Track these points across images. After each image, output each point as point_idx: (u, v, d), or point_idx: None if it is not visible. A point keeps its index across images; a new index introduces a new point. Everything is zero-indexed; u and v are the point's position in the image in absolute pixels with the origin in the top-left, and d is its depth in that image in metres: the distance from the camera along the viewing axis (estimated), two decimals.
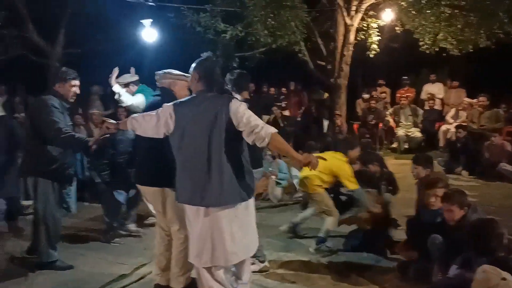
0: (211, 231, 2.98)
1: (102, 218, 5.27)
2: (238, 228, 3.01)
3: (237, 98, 3.15)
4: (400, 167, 7.27)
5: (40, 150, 3.97)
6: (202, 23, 10.15)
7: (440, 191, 3.90)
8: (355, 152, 4.87)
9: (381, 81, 12.05)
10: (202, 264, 3.05)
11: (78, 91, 4.21)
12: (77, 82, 4.18)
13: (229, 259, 3.05)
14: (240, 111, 2.89)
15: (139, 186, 3.70)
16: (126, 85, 5.25)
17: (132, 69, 5.50)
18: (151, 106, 3.50)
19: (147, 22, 10.19)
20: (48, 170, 3.96)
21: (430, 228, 3.79)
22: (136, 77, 5.40)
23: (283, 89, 11.75)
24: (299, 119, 11.44)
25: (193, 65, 3.14)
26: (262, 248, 4.00)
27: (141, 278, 4.04)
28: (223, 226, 2.96)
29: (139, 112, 3.61)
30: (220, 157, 2.90)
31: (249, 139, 2.88)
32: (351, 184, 4.59)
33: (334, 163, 4.55)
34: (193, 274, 3.63)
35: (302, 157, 2.97)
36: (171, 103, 3.07)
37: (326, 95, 11.97)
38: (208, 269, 3.08)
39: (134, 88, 5.32)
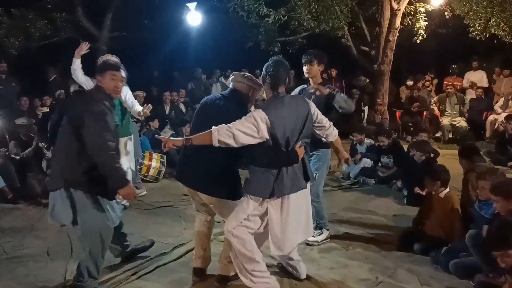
0: (290, 214, 3.29)
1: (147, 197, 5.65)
2: (309, 207, 3.49)
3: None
4: (444, 157, 7.08)
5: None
6: (246, 7, 10.12)
7: (486, 183, 3.82)
8: None
9: (430, 74, 11.70)
10: (290, 249, 3.42)
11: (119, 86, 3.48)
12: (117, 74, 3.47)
13: (307, 235, 3.55)
14: (316, 110, 3.42)
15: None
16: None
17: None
18: (210, 105, 3.50)
19: (192, 5, 10.28)
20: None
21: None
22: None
23: (324, 75, 11.60)
24: None
25: (267, 69, 3.29)
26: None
27: (180, 257, 4.18)
28: (305, 205, 3.42)
29: None
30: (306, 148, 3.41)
31: (320, 133, 3.53)
32: None
33: None
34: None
35: (346, 154, 4.09)
36: (260, 110, 3.16)
37: (367, 81, 11.77)
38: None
39: None
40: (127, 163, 5.38)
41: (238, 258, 3.31)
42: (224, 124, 3.09)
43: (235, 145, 3.11)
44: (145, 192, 6.23)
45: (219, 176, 3.39)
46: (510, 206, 3.49)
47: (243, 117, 3.16)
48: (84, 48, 5.25)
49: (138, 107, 5.37)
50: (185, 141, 3.12)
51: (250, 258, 3.31)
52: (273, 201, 3.28)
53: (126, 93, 5.30)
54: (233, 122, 3.12)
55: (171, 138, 3.28)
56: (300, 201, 3.37)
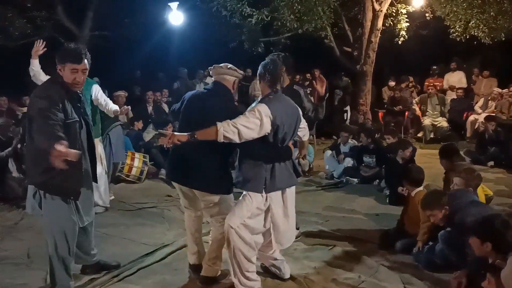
0: (289, 209, 3.44)
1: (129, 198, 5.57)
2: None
3: None
4: (426, 157, 7.18)
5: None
6: (229, 7, 10.09)
7: (461, 181, 4.01)
8: None
9: (411, 79, 11.81)
10: (289, 244, 3.61)
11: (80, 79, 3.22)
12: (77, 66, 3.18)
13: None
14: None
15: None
16: None
17: None
18: (195, 101, 3.53)
19: (173, 4, 10.21)
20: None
21: None
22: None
23: (308, 75, 11.66)
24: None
25: (267, 67, 3.35)
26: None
27: (163, 258, 4.14)
28: (293, 203, 3.52)
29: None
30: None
31: (300, 134, 3.67)
32: None
33: None
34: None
35: (305, 151, 4.17)
36: (263, 104, 3.20)
37: (349, 81, 11.87)
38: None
39: None
40: (99, 166, 5.00)
41: (236, 257, 3.31)
42: (228, 120, 3.10)
43: (238, 141, 3.14)
44: (112, 197, 5.98)
45: (215, 173, 3.41)
46: (444, 214, 3.65)
47: (247, 112, 3.19)
48: (40, 47, 4.64)
49: (112, 105, 5.07)
50: (190, 137, 3.09)
51: (249, 259, 3.33)
52: (273, 196, 3.33)
53: (97, 92, 5.03)
54: (238, 118, 3.15)
55: (176, 133, 3.16)
56: (293, 197, 3.51)
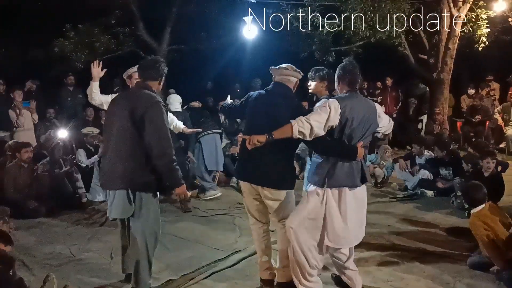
0: (348, 210, 3.34)
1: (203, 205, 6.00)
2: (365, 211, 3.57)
3: None
4: (509, 169, 6.74)
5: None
6: (300, 17, 10.15)
7: None
8: None
9: (489, 77, 11.16)
10: (345, 245, 3.47)
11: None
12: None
13: (359, 240, 3.51)
14: (381, 114, 3.53)
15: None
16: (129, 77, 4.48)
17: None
18: (258, 101, 3.63)
19: (248, 19, 10.43)
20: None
21: None
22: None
23: (378, 84, 11.39)
24: (395, 115, 11.02)
25: (346, 68, 3.44)
26: None
27: (234, 264, 4.26)
28: (363, 207, 3.49)
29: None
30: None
31: (380, 130, 3.57)
32: None
33: None
34: None
35: None
36: (334, 100, 3.29)
37: (426, 89, 11.42)
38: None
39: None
40: None
41: (297, 257, 3.38)
42: (301, 116, 3.21)
43: (309, 137, 3.21)
44: (220, 193, 6.71)
45: (280, 169, 3.50)
46: None
47: (318, 108, 3.27)
48: (100, 69, 4.54)
49: (178, 123, 5.11)
50: (268, 136, 3.16)
51: (308, 259, 3.37)
52: (331, 192, 3.32)
53: None
54: (310, 114, 3.24)
55: (254, 135, 3.18)
56: (359, 200, 3.43)
